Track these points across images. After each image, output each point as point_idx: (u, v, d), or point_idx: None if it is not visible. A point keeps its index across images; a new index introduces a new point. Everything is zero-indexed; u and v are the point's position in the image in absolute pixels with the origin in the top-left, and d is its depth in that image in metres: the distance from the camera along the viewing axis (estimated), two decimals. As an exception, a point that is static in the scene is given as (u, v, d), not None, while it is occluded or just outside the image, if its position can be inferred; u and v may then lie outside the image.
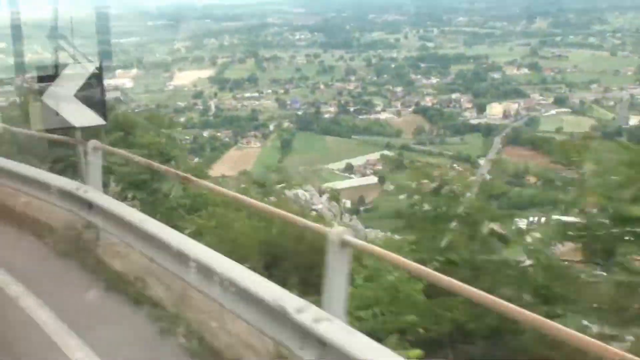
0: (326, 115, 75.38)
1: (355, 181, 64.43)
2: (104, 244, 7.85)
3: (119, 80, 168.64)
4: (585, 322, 5.29)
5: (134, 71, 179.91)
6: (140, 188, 12.10)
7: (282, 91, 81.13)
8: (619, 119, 66.95)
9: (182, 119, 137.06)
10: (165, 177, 11.75)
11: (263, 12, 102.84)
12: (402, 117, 73.48)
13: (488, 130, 69.10)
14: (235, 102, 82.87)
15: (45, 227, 8.56)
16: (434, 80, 78.27)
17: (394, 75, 79.74)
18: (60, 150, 10.93)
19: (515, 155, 61.29)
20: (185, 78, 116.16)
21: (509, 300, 3.70)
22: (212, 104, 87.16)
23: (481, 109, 72.32)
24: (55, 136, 9.24)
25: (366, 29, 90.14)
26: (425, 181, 7.17)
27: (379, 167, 66.40)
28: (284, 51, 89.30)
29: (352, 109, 75.44)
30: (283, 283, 5.14)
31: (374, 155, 68.52)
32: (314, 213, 18.63)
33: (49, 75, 8.45)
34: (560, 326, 3.41)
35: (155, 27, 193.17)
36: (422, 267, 4.45)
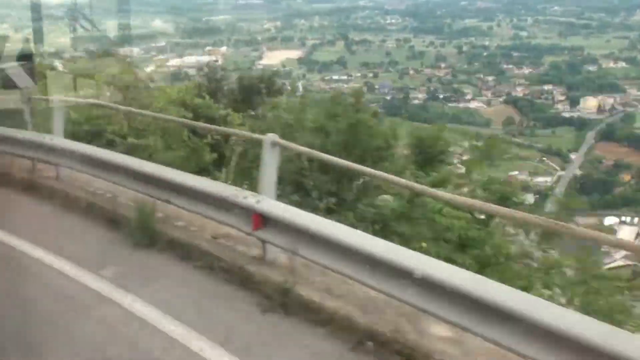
0: (415, 101, 74.95)
1: (442, 170, 64.04)
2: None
3: (209, 57, 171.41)
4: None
5: (224, 49, 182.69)
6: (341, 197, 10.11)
7: (370, 75, 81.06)
8: None
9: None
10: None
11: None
12: (492, 107, 72.42)
13: (581, 124, 67.34)
14: (323, 84, 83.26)
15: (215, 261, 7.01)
16: (526, 70, 76.66)
17: (485, 64, 78.53)
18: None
19: (609, 151, 59.77)
20: (274, 58, 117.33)
21: None
22: (300, 85, 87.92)
23: (574, 102, 70.45)
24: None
25: (458, 15, 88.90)
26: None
27: (466, 157, 65.71)
28: (374, 35, 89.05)
29: (441, 96, 74.74)
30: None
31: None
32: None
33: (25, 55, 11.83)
34: None
35: (246, 5, 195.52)
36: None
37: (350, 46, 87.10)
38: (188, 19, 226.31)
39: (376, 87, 78.00)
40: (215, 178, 9.37)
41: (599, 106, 69.15)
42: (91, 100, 12.62)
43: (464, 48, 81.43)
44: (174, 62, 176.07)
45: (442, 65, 79.47)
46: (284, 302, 6.00)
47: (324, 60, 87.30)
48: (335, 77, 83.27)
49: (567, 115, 69.44)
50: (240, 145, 10.96)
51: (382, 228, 9.02)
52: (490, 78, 75.76)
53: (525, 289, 6.15)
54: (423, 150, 12.48)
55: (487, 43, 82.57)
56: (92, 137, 11.94)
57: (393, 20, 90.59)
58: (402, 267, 5.20)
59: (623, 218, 45.86)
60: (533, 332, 4.43)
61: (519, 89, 73.38)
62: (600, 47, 78.11)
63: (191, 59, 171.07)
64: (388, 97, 75.85)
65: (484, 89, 73.89)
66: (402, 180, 7.08)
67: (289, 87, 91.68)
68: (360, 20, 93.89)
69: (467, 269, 5.46)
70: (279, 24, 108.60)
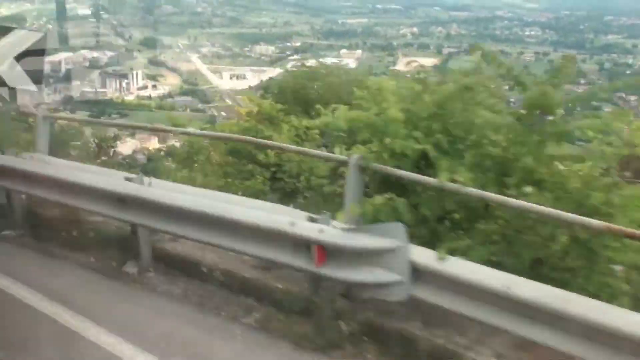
0: (549, 117, 73.68)
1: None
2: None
3: (343, 60, 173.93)
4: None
5: (359, 52, 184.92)
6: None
7: (506, 87, 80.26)
8: None
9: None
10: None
11: (494, 5, 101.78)
12: (634, 128, 70.21)
13: None
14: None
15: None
16: (671, 91, 73.75)
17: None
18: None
19: None
20: (409, 64, 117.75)
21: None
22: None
23: None
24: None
25: (601, 30, 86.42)
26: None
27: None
28: (512, 46, 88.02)
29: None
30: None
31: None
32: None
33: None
34: None
35: (384, 10, 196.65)
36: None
37: (487, 56, 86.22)
38: (324, 21, 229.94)
39: (511, 100, 77.20)
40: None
41: None
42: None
43: (606, 65, 79.14)
44: (309, 63, 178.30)
45: (582, 81, 77.65)
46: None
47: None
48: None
49: None
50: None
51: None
52: (633, 98, 73.41)
53: None
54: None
55: (630, 61, 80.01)
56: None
57: (532, 32, 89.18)
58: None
59: None
60: None
61: (663, 110, 70.64)
62: None
63: (326, 60, 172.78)
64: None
65: (625, 108, 71.61)
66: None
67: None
68: (498, 30, 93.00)
69: None
70: (415, 30, 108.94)
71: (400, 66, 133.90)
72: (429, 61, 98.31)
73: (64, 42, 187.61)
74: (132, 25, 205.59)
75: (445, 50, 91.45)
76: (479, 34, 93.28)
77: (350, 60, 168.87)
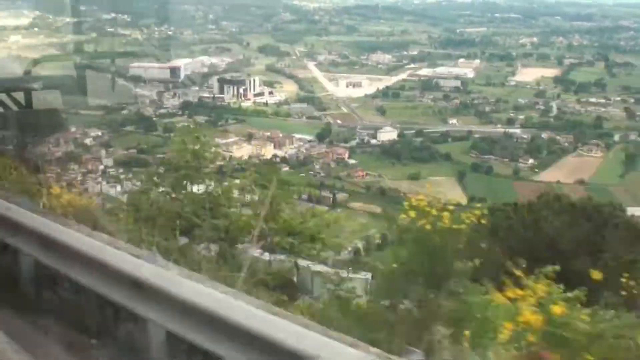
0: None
1: None
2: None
3: (461, 70, 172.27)
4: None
5: (477, 62, 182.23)
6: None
7: (632, 100, 76.97)
8: None
9: (521, 116, 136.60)
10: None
11: (617, 14, 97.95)
12: None
13: None
14: (579, 106, 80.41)
15: None
16: None
17: None
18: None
19: None
20: (529, 75, 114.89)
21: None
22: (554, 105, 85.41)
23: None
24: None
25: None
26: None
27: None
28: (638, 58, 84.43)
29: None
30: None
31: None
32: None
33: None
34: None
35: (503, 19, 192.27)
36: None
37: (611, 68, 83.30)
38: (442, 29, 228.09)
39: (638, 114, 73.92)
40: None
41: None
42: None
43: None
44: (425, 71, 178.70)
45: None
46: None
47: (581, 81, 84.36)
48: (592, 99, 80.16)
49: None
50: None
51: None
52: None
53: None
54: None
55: None
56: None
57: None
58: None
59: None
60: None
61: None
62: None
63: (443, 70, 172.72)
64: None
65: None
66: None
67: (542, 107, 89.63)
68: (623, 41, 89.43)
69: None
70: (535, 40, 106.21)
71: (520, 77, 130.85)
72: (549, 72, 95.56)
73: (183, 48, 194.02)
74: (250, 33, 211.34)
75: (567, 61, 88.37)
76: (602, 44, 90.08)
77: (467, 70, 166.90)
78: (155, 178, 19.36)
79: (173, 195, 17.98)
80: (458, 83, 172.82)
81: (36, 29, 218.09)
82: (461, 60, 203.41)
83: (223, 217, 17.04)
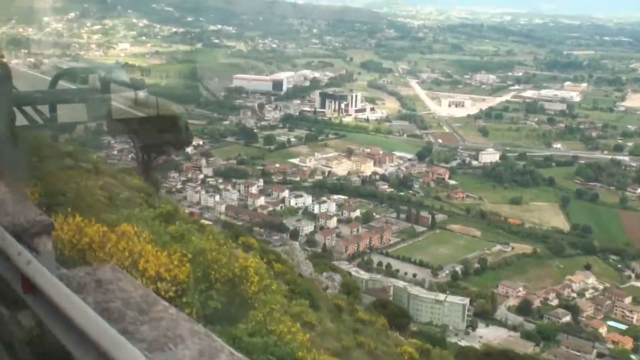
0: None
1: None
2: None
3: (567, 93, 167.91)
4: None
5: (584, 85, 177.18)
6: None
7: None
8: None
9: (629, 143, 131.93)
10: None
11: None
12: None
13: None
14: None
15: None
16: None
17: None
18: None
19: None
20: (639, 100, 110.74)
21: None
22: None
23: None
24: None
25: None
26: None
27: None
28: None
29: None
30: None
31: None
32: None
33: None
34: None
35: (613, 42, 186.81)
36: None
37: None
38: (548, 51, 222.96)
39: None
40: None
41: None
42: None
43: None
44: (530, 93, 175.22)
45: None
46: None
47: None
48: None
49: None
50: None
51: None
52: None
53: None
54: None
55: None
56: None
57: None
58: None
59: None
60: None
61: None
62: None
63: (548, 92, 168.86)
64: None
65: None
66: None
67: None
68: None
69: None
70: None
71: (629, 102, 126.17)
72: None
73: (286, 61, 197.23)
74: (353, 48, 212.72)
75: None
76: None
77: (574, 93, 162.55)
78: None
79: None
80: (564, 106, 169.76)
81: (144, 37, 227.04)
82: (567, 83, 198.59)
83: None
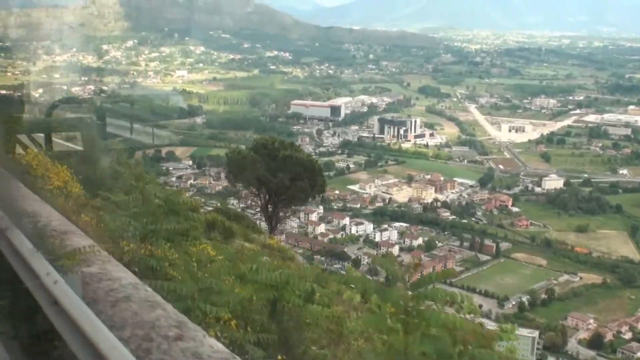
0: None
1: None
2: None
3: (631, 117, 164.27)
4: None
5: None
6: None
7: None
8: None
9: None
10: None
11: None
12: None
13: None
14: None
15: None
16: None
17: None
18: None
19: None
20: None
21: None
22: None
23: None
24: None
25: None
26: None
27: None
28: None
29: None
30: None
31: None
32: None
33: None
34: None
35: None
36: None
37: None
38: (609, 74, 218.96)
39: None
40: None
41: None
42: None
43: None
44: (592, 117, 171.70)
45: None
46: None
47: None
48: None
49: None
50: None
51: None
52: None
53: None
54: None
55: None
56: None
57: None
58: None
59: None
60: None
61: None
62: None
63: (611, 117, 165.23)
64: None
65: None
66: None
67: None
68: None
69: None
70: None
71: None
72: None
73: (343, 86, 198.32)
74: (409, 73, 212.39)
75: None
76: None
77: (638, 117, 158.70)
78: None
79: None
80: (628, 131, 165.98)
81: (201, 64, 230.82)
82: (631, 107, 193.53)
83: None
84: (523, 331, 76.81)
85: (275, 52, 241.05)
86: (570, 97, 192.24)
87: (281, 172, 32.71)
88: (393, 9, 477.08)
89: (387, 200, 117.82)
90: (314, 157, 41.30)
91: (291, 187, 32.96)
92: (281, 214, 36.83)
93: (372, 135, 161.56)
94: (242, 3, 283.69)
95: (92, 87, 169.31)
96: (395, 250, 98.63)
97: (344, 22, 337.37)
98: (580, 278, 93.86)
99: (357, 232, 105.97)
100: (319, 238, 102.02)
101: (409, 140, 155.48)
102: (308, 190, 34.64)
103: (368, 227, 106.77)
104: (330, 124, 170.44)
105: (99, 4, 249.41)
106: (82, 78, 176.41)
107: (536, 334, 74.05)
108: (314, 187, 35.29)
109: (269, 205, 35.45)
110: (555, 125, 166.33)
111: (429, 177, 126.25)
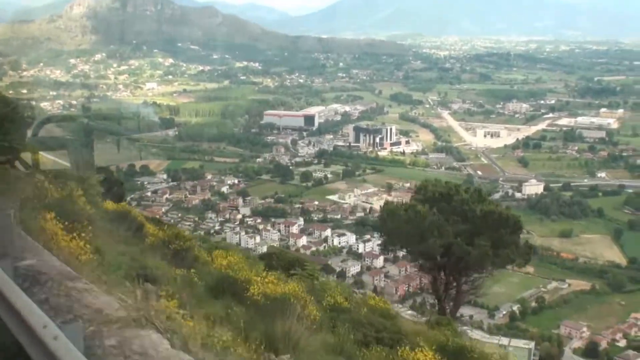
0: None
1: None
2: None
3: (603, 120, 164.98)
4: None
5: (620, 111, 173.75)
6: None
7: None
8: None
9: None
10: None
11: None
12: None
13: None
14: None
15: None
16: None
17: None
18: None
19: None
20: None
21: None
22: None
23: None
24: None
25: None
26: None
27: None
28: None
29: None
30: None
31: None
32: None
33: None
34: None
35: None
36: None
37: None
38: (578, 78, 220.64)
39: None
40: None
41: None
42: None
43: None
44: (566, 121, 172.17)
45: None
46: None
47: None
48: None
49: None
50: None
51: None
52: None
53: None
54: None
55: None
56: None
57: None
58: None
59: None
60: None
61: None
62: None
63: (584, 120, 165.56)
64: None
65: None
66: None
67: None
68: None
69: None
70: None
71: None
72: None
73: (315, 95, 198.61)
74: (380, 80, 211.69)
75: None
76: None
77: (610, 120, 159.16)
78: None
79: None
80: (603, 134, 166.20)
81: (170, 76, 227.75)
82: (603, 110, 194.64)
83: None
84: (519, 343, 74.92)
85: (245, 63, 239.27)
86: (542, 101, 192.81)
87: (479, 237, 23.69)
88: (360, 17, 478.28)
89: (367, 210, 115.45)
90: (509, 208, 28.22)
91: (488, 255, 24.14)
92: (465, 286, 26.40)
93: (347, 144, 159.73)
94: (211, 14, 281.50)
95: (61, 102, 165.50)
96: (380, 261, 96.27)
97: (312, 31, 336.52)
98: (569, 285, 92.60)
99: (339, 243, 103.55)
100: (302, 251, 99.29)
101: (385, 148, 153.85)
102: (515, 257, 25.65)
103: (350, 238, 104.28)
104: (305, 133, 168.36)
105: (66, 18, 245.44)
106: (51, 93, 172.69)
107: (532, 345, 72.16)
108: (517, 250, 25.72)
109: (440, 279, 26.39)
110: (530, 130, 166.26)
111: (408, 185, 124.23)
